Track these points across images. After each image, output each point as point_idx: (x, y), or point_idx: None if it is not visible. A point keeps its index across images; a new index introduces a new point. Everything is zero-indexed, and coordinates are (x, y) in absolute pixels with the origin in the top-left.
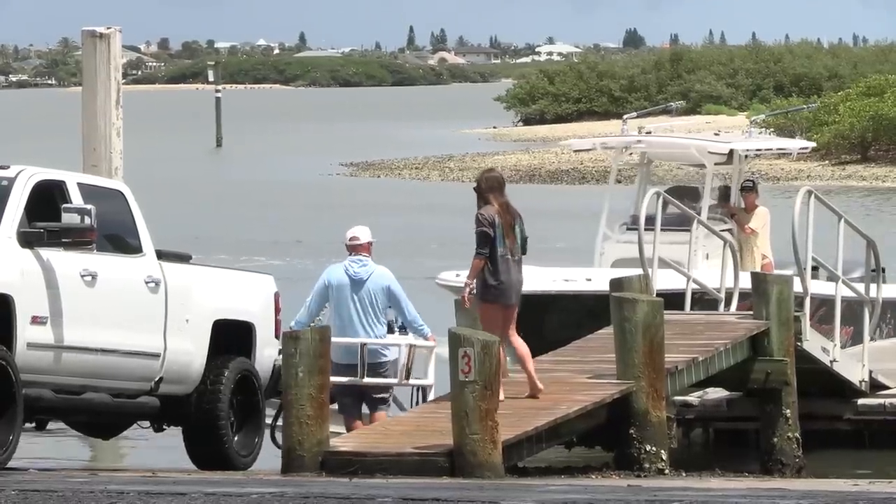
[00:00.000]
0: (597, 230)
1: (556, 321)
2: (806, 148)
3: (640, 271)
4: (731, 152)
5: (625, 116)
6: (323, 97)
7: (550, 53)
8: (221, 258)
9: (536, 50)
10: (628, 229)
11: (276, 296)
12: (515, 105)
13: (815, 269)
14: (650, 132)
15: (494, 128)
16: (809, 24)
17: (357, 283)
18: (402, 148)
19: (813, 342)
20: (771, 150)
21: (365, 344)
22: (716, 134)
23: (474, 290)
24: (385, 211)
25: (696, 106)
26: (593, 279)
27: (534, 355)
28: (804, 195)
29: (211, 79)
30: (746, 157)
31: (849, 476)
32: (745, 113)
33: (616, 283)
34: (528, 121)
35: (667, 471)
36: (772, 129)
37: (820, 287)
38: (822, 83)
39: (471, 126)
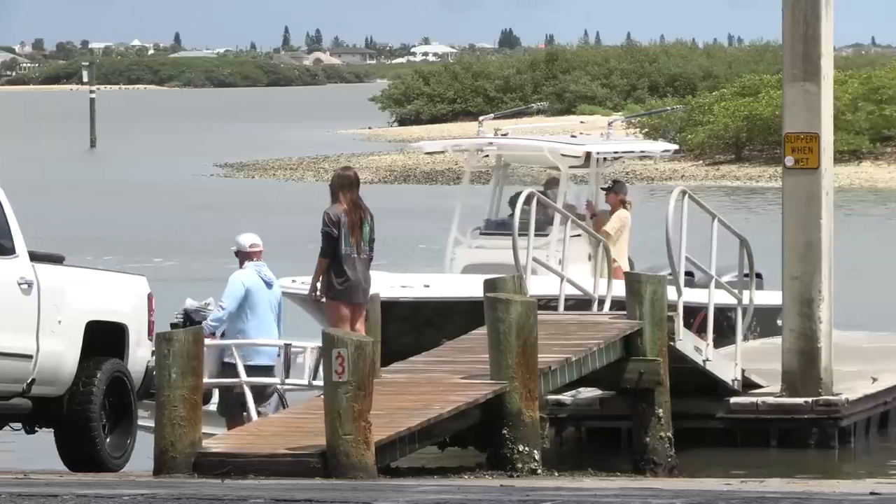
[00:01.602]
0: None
1: (393, 329)
2: (668, 150)
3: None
4: (588, 155)
5: (481, 118)
6: (198, 98)
7: (426, 54)
8: (107, 259)
9: (412, 50)
10: (481, 234)
11: (150, 297)
12: (391, 106)
13: (689, 274)
14: (506, 134)
15: (370, 128)
16: (684, 25)
17: (270, 287)
18: (277, 149)
19: (686, 342)
20: (632, 152)
21: (289, 345)
22: (573, 136)
23: (318, 291)
24: (259, 211)
25: (571, 106)
26: (431, 286)
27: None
28: (678, 195)
29: (85, 79)
30: (605, 160)
31: (721, 475)
32: (620, 113)
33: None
34: (403, 121)
35: (539, 471)
36: (646, 130)
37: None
38: (696, 83)
39: (346, 127)
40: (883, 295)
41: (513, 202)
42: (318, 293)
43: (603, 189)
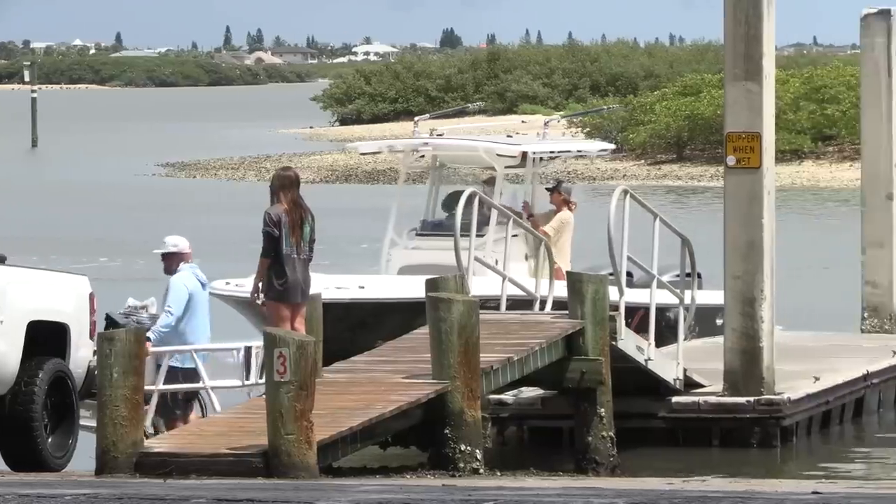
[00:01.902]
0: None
1: (328, 330)
2: (605, 150)
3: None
4: (524, 155)
5: (416, 118)
6: (139, 97)
7: (367, 53)
8: (52, 258)
9: (353, 50)
10: (417, 235)
11: (91, 296)
12: (332, 105)
13: (629, 275)
14: (441, 134)
15: (311, 128)
16: (626, 24)
17: (204, 287)
18: (219, 148)
19: (628, 341)
20: (569, 152)
21: (250, 347)
22: (508, 136)
23: (260, 292)
24: (201, 211)
25: (513, 106)
26: (366, 287)
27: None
28: (620, 194)
29: (27, 79)
30: (541, 159)
31: (663, 474)
32: (559, 113)
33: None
34: (344, 121)
35: (481, 470)
36: (587, 129)
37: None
38: (638, 83)
39: (287, 126)
40: (824, 294)
41: (448, 203)
42: (259, 293)
43: (547, 189)
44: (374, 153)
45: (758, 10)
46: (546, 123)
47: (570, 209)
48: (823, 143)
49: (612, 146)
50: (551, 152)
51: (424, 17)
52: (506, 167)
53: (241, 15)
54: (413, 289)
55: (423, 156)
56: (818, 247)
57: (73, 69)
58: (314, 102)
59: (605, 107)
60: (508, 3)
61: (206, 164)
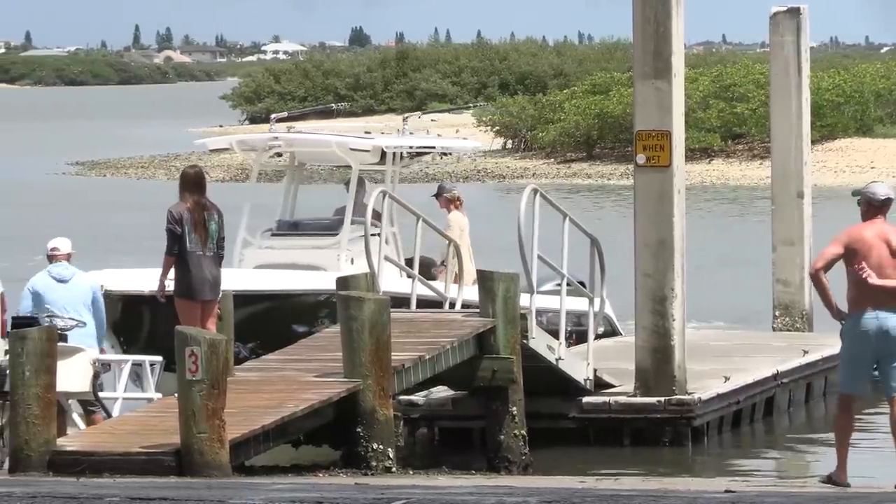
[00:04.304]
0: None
1: (161, 331)
2: (476, 149)
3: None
4: (383, 152)
5: (273, 115)
6: (49, 96)
7: (276, 52)
8: None
9: (262, 48)
10: (273, 235)
11: (2, 296)
12: (241, 104)
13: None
14: (300, 131)
15: (220, 126)
16: (535, 23)
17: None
18: (129, 147)
19: (539, 340)
20: (433, 148)
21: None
22: (366, 133)
23: (164, 289)
24: (112, 210)
25: (422, 104)
26: None
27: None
28: (529, 193)
29: None
30: (402, 156)
31: (575, 473)
32: (470, 111)
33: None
34: (254, 119)
35: (394, 469)
36: (497, 128)
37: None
38: (547, 81)
39: (197, 125)
40: (735, 293)
41: None
42: (163, 291)
43: (433, 196)
44: (223, 149)
45: (667, 8)
46: (405, 119)
47: (457, 208)
48: (733, 142)
49: (481, 145)
50: (411, 147)
51: (333, 16)
52: (364, 164)
53: (149, 14)
54: (249, 282)
55: (278, 153)
56: (729, 245)
57: None
58: (224, 101)
59: (470, 104)
60: (417, 1)
61: (116, 163)
